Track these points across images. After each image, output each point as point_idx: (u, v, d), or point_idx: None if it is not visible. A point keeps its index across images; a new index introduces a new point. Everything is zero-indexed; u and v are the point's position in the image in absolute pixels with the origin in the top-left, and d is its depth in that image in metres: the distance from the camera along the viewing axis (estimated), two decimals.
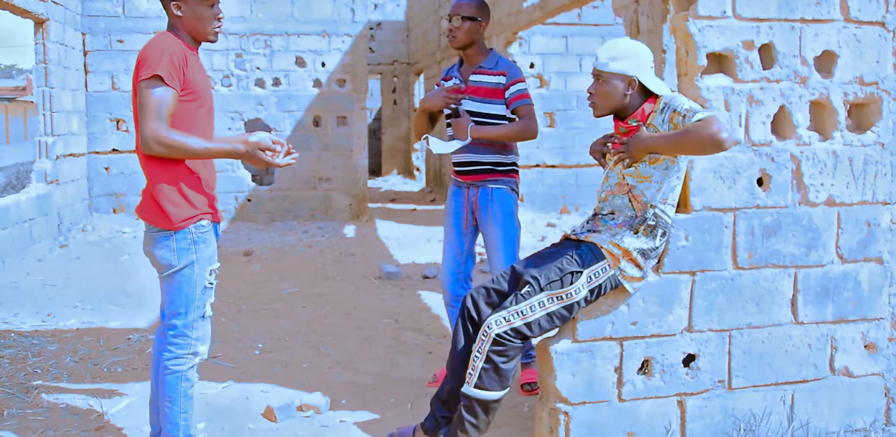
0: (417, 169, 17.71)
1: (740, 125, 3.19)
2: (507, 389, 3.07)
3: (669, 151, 3.00)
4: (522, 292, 3.01)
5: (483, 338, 2.98)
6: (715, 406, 3.26)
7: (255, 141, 2.94)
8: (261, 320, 5.61)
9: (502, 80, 3.92)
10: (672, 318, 3.18)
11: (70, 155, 9.67)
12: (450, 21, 3.95)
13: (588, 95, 3.16)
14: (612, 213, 3.13)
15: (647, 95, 3.10)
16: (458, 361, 3.20)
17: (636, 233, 3.06)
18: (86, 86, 10.44)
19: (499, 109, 3.94)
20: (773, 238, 3.26)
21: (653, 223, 3.06)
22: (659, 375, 3.19)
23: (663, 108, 3.03)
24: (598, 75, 3.09)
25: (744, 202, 3.22)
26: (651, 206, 3.05)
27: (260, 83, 10.91)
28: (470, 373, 3.02)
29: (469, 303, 3.21)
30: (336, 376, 4.37)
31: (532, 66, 10.95)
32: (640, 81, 3.05)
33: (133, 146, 10.48)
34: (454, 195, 4.11)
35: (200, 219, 2.99)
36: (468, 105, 3.95)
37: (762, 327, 3.28)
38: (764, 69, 3.22)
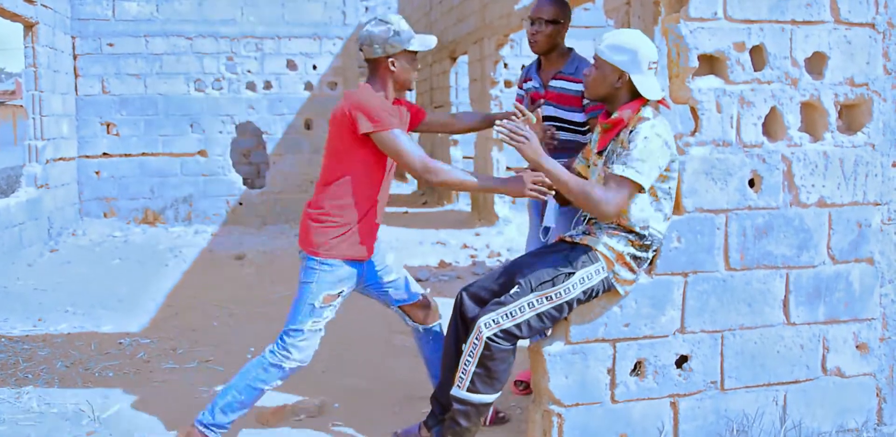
0: None
1: (732, 127, 3.20)
2: (501, 392, 3.06)
3: (556, 185, 3.00)
4: (511, 293, 3.01)
5: (475, 342, 2.96)
6: (708, 407, 3.26)
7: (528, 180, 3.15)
8: (253, 323, 5.59)
9: (581, 87, 3.73)
10: (664, 319, 3.18)
11: (60, 159, 9.63)
12: (532, 24, 3.80)
13: (584, 75, 3.14)
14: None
15: (637, 93, 3.05)
16: (451, 359, 3.24)
17: (630, 244, 3.06)
18: (76, 89, 10.40)
19: (580, 117, 3.83)
20: (765, 239, 3.26)
21: (648, 243, 3.06)
22: (652, 376, 3.19)
23: (632, 131, 2.96)
24: (595, 59, 3.08)
25: (735, 203, 3.22)
26: (642, 227, 3.04)
27: (251, 86, 10.89)
28: (461, 376, 3.00)
29: (460, 300, 3.25)
30: (328, 379, 4.36)
31: (524, 67, 10.96)
32: (630, 78, 3.00)
33: (123, 150, 10.52)
34: None
35: (331, 259, 3.24)
36: (549, 111, 3.81)
37: (754, 327, 3.29)
38: (755, 71, 3.23)
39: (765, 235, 3.26)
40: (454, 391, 3.04)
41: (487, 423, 3.63)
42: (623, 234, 3.06)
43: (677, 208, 3.18)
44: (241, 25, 10.74)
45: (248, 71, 10.83)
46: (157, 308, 6.06)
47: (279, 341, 3.29)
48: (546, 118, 3.83)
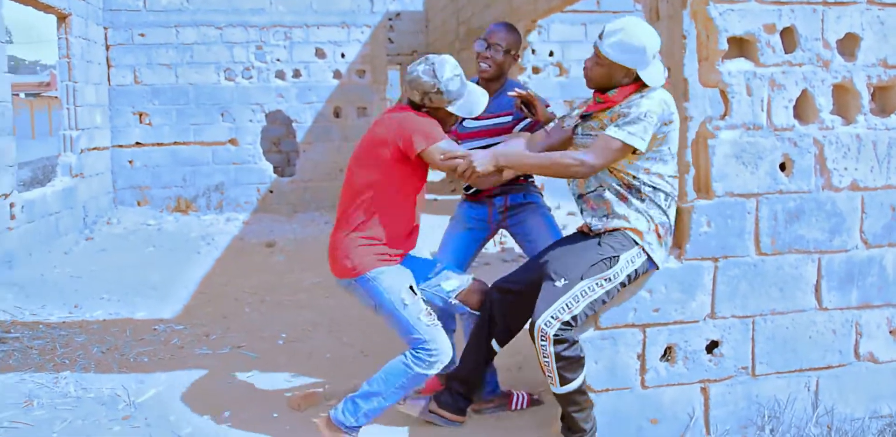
0: None
1: (762, 110, 3.16)
2: (584, 365, 3.02)
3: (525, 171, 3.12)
4: (561, 285, 2.96)
5: (543, 342, 2.92)
6: (739, 393, 3.24)
7: None
8: (284, 310, 5.65)
9: (507, 119, 3.68)
10: (695, 304, 3.16)
11: (94, 149, 9.76)
12: (486, 48, 3.63)
13: (584, 67, 3.09)
14: (601, 186, 3.08)
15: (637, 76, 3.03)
16: (479, 344, 3.34)
17: (642, 200, 3.04)
18: (108, 80, 10.52)
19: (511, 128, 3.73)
20: (797, 224, 3.23)
21: (650, 187, 3.03)
22: (682, 361, 3.18)
23: (622, 105, 2.99)
24: (598, 56, 3.02)
25: (766, 187, 3.19)
26: (633, 176, 3.03)
27: (280, 75, 10.94)
28: (549, 377, 2.98)
29: (491, 297, 3.33)
30: (359, 365, 4.39)
31: (551, 54, 10.89)
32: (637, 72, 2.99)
33: (155, 139, 10.64)
34: None
35: (375, 268, 3.17)
36: (476, 143, 3.67)
37: (786, 313, 3.26)
38: (786, 53, 3.18)
39: (796, 219, 3.23)
40: (555, 391, 3.02)
41: (525, 405, 3.66)
42: (629, 193, 3.03)
43: (707, 192, 3.16)
44: (270, 14, 10.78)
45: (278, 60, 10.87)
46: (190, 295, 6.14)
47: (419, 351, 3.14)
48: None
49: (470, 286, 3.41)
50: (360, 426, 3.22)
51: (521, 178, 3.80)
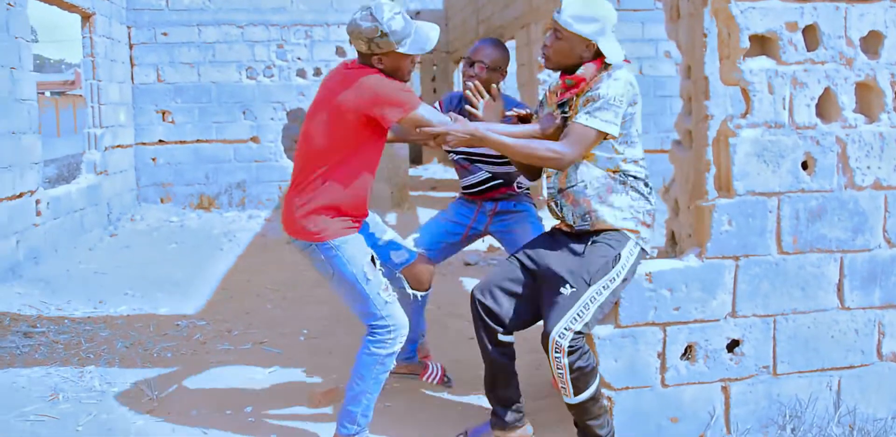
0: None
1: (784, 108, 3.15)
2: (598, 374, 3.00)
3: (502, 152, 3.04)
4: (567, 294, 2.93)
5: (557, 355, 2.88)
6: (760, 392, 3.24)
7: None
8: (305, 306, 5.69)
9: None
10: (715, 303, 3.16)
11: (118, 146, 9.86)
12: (470, 66, 3.59)
13: (543, 46, 3.09)
14: (583, 182, 3.04)
15: (600, 53, 3.03)
16: (498, 363, 3.19)
17: (626, 194, 3.04)
18: (132, 78, 10.63)
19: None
20: (819, 222, 3.22)
21: (632, 177, 3.04)
22: (702, 360, 3.18)
23: (589, 91, 2.97)
24: (557, 30, 3.01)
25: (788, 186, 3.18)
26: (615, 170, 3.02)
27: (301, 73, 11.00)
28: (563, 388, 2.95)
29: (484, 305, 3.14)
30: None
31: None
32: (597, 45, 2.99)
33: (178, 137, 10.73)
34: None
35: (340, 237, 3.10)
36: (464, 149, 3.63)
37: (807, 312, 3.25)
38: (808, 51, 3.17)
39: (818, 218, 3.21)
40: (568, 401, 2.98)
41: (437, 381, 3.82)
42: (613, 186, 3.02)
43: (728, 191, 3.15)
44: (290, 13, 10.84)
45: (298, 58, 10.94)
46: (212, 291, 6.20)
47: (375, 334, 3.12)
48: (461, 153, 3.76)
49: (415, 260, 3.39)
50: (364, 428, 3.21)
51: (517, 186, 3.83)
